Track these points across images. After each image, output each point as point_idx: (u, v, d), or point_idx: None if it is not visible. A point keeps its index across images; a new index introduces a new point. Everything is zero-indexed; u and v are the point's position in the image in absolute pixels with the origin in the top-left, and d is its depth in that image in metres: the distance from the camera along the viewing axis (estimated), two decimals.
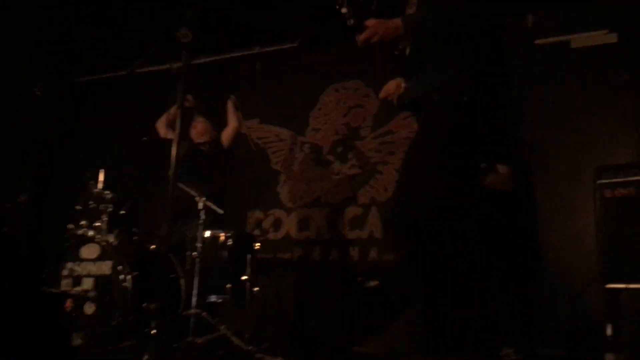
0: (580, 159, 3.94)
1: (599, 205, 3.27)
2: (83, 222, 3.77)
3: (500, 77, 2.35)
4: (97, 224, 3.75)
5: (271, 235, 5.04)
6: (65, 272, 3.63)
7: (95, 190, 3.82)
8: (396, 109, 2.62)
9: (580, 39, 4.23)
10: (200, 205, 3.76)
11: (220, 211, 3.90)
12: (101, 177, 3.90)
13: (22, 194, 4.72)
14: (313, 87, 5.21)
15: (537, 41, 4.31)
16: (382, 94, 2.47)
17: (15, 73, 5.47)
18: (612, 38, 4.15)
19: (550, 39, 4.29)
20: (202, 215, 3.74)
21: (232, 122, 4.51)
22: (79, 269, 3.63)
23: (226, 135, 4.52)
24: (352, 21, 2.31)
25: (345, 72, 5.08)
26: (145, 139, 4.40)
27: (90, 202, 3.80)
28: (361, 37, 2.31)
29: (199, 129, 4.51)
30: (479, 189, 2.68)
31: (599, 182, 3.30)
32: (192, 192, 3.83)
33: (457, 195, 2.22)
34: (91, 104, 5.83)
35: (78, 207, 3.83)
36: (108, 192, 3.80)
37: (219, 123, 4.57)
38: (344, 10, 2.31)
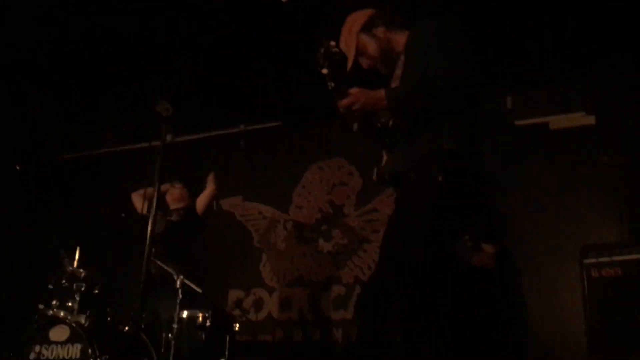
0: (564, 238, 3.94)
1: (586, 284, 3.25)
2: (54, 302, 3.63)
3: (479, 156, 2.31)
4: (69, 304, 3.60)
5: (252, 316, 4.88)
6: (32, 356, 3.45)
7: (70, 268, 3.71)
8: (379, 185, 2.57)
9: (559, 121, 4.32)
10: (178, 284, 3.64)
11: (199, 290, 3.77)
12: (77, 254, 3.79)
13: None
14: (297, 165, 5.22)
15: (517, 122, 4.39)
16: (343, 102, 2.28)
17: None
18: (590, 120, 4.24)
19: (530, 120, 4.38)
20: (180, 294, 3.61)
21: (209, 187, 4.44)
22: (47, 352, 3.45)
23: (201, 200, 4.42)
24: (332, 84, 2.29)
25: (328, 150, 5.11)
26: (123, 215, 4.32)
27: (64, 281, 3.68)
28: (343, 102, 2.26)
29: (175, 195, 4.43)
30: (459, 266, 2.62)
31: (585, 261, 3.29)
32: (170, 270, 3.72)
33: (435, 273, 2.15)
34: (69, 180, 5.79)
35: (50, 286, 3.70)
36: (82, 270, 3.68)
37: (197, 192, 4.52)
38: (324, 71, 2.26)
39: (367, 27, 2.47)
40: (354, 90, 2.27)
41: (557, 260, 3.91)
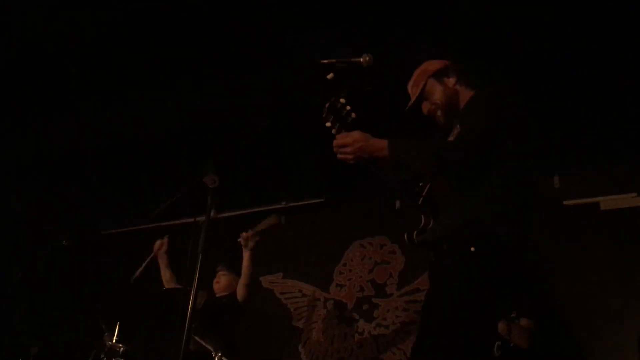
0: (619, 323, 3.72)
1: None
2: None
3: (520, 231, 2.19)
4: None
5: None
6: None
7: (109, 343, 3.71)
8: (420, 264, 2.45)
9: (610, 202, 4.20)
10: None
11: None
12: (116, 329, 3.80)
13: (32, 346, 4.58)
14: (338, 243, 5.16)
15: (566, 202, 4.28)
16: (337, 141, 2.21)
17: (44, 224, 5.62)
18: None
19: (579, 200, 4.26)
20: None
21: (243, 278, 4.30)
22: None
23: (240, 291, 4.31)
24: (334, 131, 2.25)
25: (370, 227, 5.06)
26: (165, 288, 4.32)
27: (102, 357, 3.67)
28: (337, 141, 2.20)
29: (222, 284, 4.37)
30: (494, 344, 2.46)
31: None
32: (208, 346, 3.65)
33: (470, 352, 2.01)
34: (112, 255, 5.86)
35: None
36: (121, 345, 3.67)
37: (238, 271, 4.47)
38: (328, 124, 2.25)
39: (439, 74, 2.47)
40: (354, 133, 2.21)
41: (613, 347, 3.68)
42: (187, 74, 4.15)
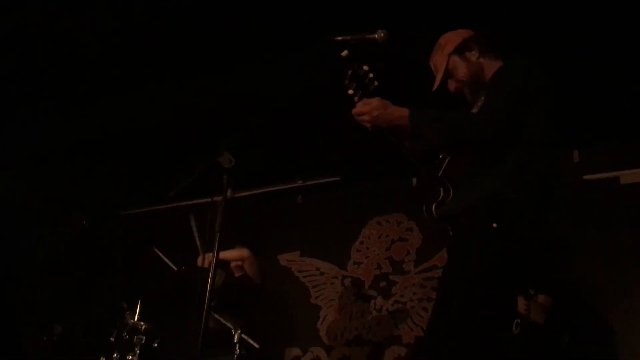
0: (635, 298, 3.70)
1: None
2: (115, 355, 3.67)
3: (541, 207, 2.13)
4: (129, 357, 3.64)
5: None
6: None
7: (131, 321, 3.77)
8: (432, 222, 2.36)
9: (631, 175, 4.14)
10: (236, 338, 3.60)
11: (257, 345, 3.72)
12: (138, 308, 3.85)
13: (56, 325, 4.68)
14: (355, 220, 5.17)
15: (586, 177, 4.23)
16: (356, 109, 2.18)
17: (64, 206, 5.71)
18: None
19: (599, 175, 4.21)
20: (237, 349, 3.57)
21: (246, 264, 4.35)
22: None
23: (253, 274, 4.35)
24: (356, 99, 2.22)
25: (387, 205, 5.05)
26: (184, 267, 4.37)
27: (125, 334, 3.72)
28: (356, 109, 2.18)
29: (239, 263, 4.43)
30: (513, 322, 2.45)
31: None
32: (228, 324, 3.70)
33: (487, 331, 1.98)
34: (132, 235, 5.94)
35: (112, 339, 3.75)
36: (142, 323, 3.72)
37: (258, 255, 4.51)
38: (350, 91, 2.22)
39: (460, 50, 2.40)
40: (374, 100, 2.18)
41: (635, 321, 3.66)
42: (203, 59, 4.14)
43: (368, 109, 2.17)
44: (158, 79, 4.37)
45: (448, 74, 2.41)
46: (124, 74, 4.39)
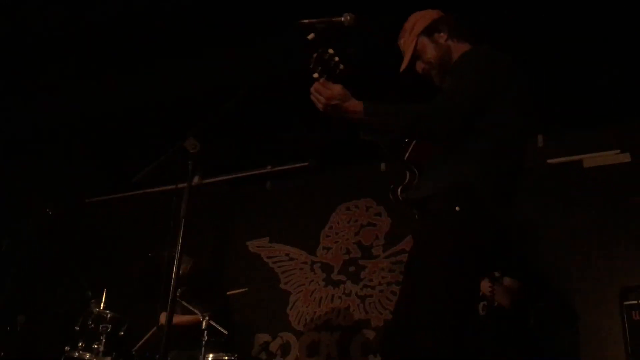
0: (602, 279, 3.79)
1: (627, 327, 3.11)
2: (80, 344, 3.62)
3: (505, 193, 2.14)
4: (95, 345, 3.59)
5: None
6: None
7: (97, 310, 3.72)
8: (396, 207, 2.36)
9: (593, 159, 4.22)
10: (204, 325, 3.59)
11: (225, 332, 3.71)
12: (103, 296, 3.81)
13: (20, 315, 4.59)
14: (324, 206, 5.17)
15: (549, 160, 4.30)
16: (314, 87, 2.16)
17: (28, 194, 5.59)
18: (625, 158, 4.13)
19: (562, 159, 4.28)
20: (205, 336, 3.55)
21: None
22: None
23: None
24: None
25: (356, 190, 5.06)
26: (150, 254, 4.33)
27: (90, 323, 3.68)
28: (314, 87, 2.16)
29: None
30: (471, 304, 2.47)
31: (626, 303, 3.16)
32: (195, 311, 3.68)
33: (453, 314, 2.00)
34: (96, 223, 5.85)
35: (77, 328, 3.70)
36: (108, 311, 3.68)
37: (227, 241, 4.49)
38: (315, 75, 2.19)
39: (429, 30, 2.37)
40: (335, 87, 2.15)
41: (596, 302, 3.75)
42: (168, 45, 4.07)
43: (327, 94, 2.15)
44: (124, 64, 4.30)
45: (416, 55, 2.39)
46: (89, 60, 4.30)
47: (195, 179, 2.70)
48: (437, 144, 2.25)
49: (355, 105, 2.14)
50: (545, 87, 3.85)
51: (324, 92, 2.15)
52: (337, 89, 2.15)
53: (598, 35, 3.64)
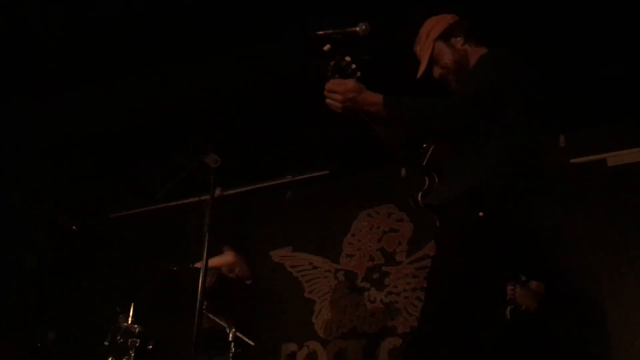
0: (629, 280, 3.74)
1: None
2: (110, 359, 3.66)
3: (528, 196, 2.12)
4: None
5: None
6: None
7: (125, 324, 3.76)
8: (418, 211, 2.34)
9: (617, 157, 4.16)
10: (231, 337, 3.60)
11: (252, 343, 3.72)
12: (131, 310, 3.84)
13: (50, 331, 4.65)
14: (346, 214, 5.17)
15: (573, 160, 4.25)
16: (329, 86, 2.15)
17: (53, 212, 5.67)
18: None
19: (586, 158, 4.23)
20: (232, 348, 3.57)
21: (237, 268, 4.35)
22: None
23: (243, 273, 4.34)
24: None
25: (377, 197, 5.05)
26: (175, 268, 4.36)
27: (119, 338, 3.72)
28: (327, 85, 2.14)
29: (230, 266, 4.39)
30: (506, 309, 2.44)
31: None
32: (222, 323, 3.69)
33: (479, 317, 1.99)
34: (122, 238, 5.92)
35: (106, 343, 3.74)
36: (136, 326, 3.71)
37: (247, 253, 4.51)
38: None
39: (445, 35, 2.37)
40: (348, 81, 2.15)
41: (623, 302, 3.69)
42: (183, 55, 4.10)
43: (342, 89, 2.13)
44: (125, 67, 4.27)
45: (433, 60, 2.39)
46: (105, 72, 4.33)
47: (217, 191, 2.73)
48: (449, 142, 2.24)
49: (373, 96, 2.13)
50: (566, 85, 3.82)
51: (339, 88, 2.14)
52: (351, 82, 2.15)
53: (619, 32, 3.59)
